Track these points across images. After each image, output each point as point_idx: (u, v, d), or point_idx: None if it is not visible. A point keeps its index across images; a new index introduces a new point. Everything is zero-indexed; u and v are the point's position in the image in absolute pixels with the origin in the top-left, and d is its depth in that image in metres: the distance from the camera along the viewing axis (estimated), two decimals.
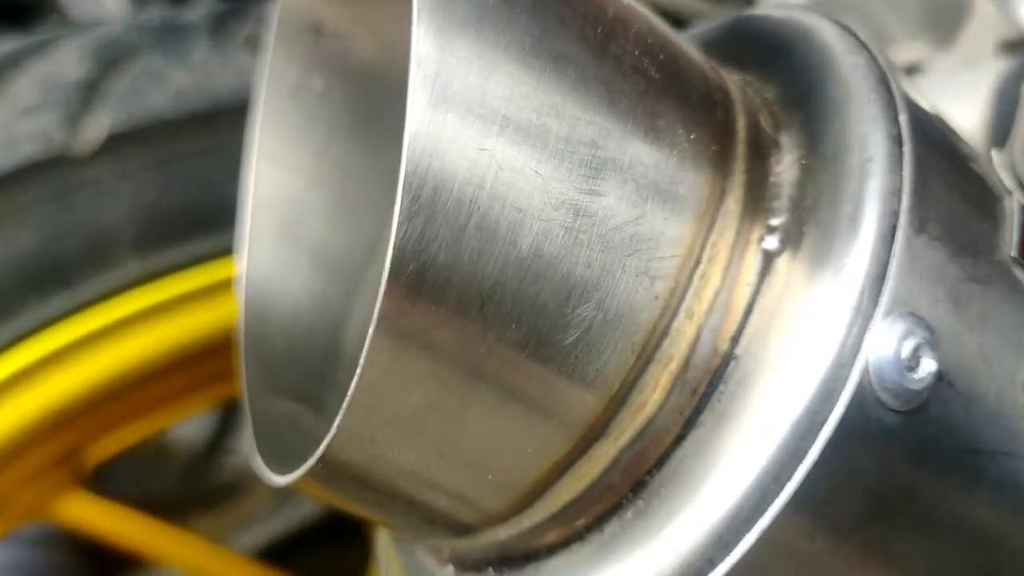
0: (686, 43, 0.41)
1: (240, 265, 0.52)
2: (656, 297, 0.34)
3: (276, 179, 0.53)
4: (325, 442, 0.34)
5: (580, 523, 0.37)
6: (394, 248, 0.30)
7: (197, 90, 0.85)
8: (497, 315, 0.32)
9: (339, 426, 0.33)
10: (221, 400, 1.01)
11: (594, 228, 0.33)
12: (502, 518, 0.38)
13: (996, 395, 0.36)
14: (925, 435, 0.34)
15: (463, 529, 0.40)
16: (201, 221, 0.84)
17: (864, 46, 0.40)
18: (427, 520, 0.39)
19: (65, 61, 0.83)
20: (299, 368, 0.50)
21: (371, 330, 0.31)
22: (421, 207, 0.30)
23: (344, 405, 0.33)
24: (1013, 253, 0.38)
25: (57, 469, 0.91)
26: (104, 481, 0.97)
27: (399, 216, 0.30)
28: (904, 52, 0.81)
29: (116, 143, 0.81)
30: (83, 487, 0.92)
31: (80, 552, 1.17)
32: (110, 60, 0.83)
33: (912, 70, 0.78)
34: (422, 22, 0.31)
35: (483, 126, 0.31)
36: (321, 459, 0.35)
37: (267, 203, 0.52)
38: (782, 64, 0.42)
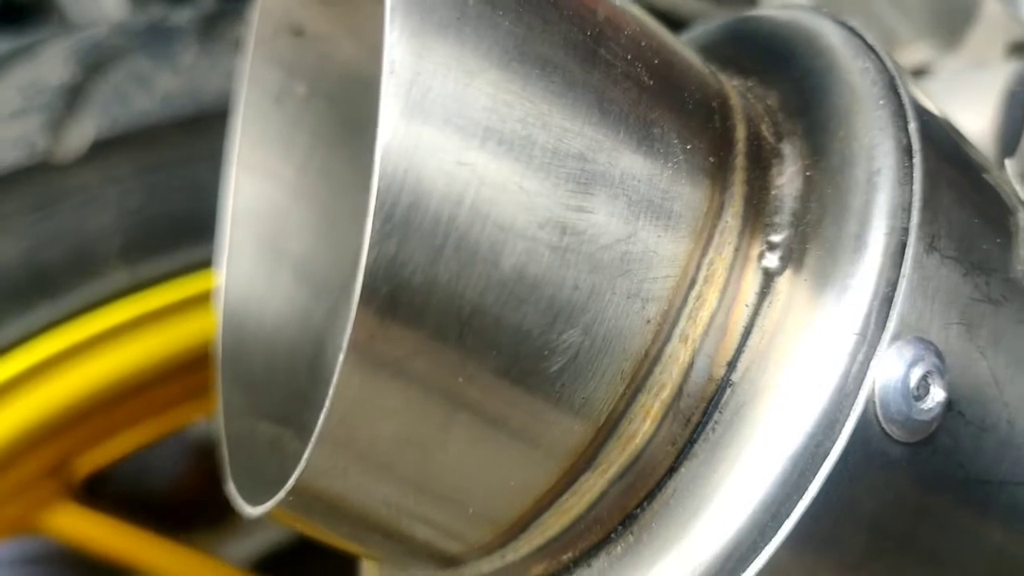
0: (683, 47, 0.39)
1: (219, 279, 0.50)
2: (648, 320, 0.32)
3: (257, 189, 0.51)
4: (294, 476, 0.32)
5: (567, 557, 0.35)
6: (365, 271, 0.28)
7: (184, 94, 0.83)
8: (477, 342, 0.30)
9: (309, 460, 0.31)
10: (212, 410, 0.99)
11: (582, 247, 0.31)
12: (486, 551, 0.36)
13: (1008, 422, 0.34)
14: (933, 467, 0.32)
15: (446, 561, 0.37)
16: (189, 229, 0.82)
17: (871, 49, 0.38)
18: (408, 552, 0.37)
19: (49, 65, 0.81)
20: (280, 388, 0.48)
21: (341, 359, 0.29)
22: (395, 226, 0.28)
23: (314, 438, 0.31)
24: None
25: (46, 481, 0.90)
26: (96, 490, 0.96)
27: (371, 236, 0.28)
28: (910, 54, 0.79)
29: (101, 149, 0.79)
30: (73, 499, 0.91)
31: (76, 568, 1.16)
32: (95, 64, 0.82)
33: (918, 72, 0.76)
34: (395, 24, 0.28)
35: (463, 138, 0.29)
36: (292, 492, 0.33)
37: (248, 214, 0.50)
38: (785, 68, 0.40)
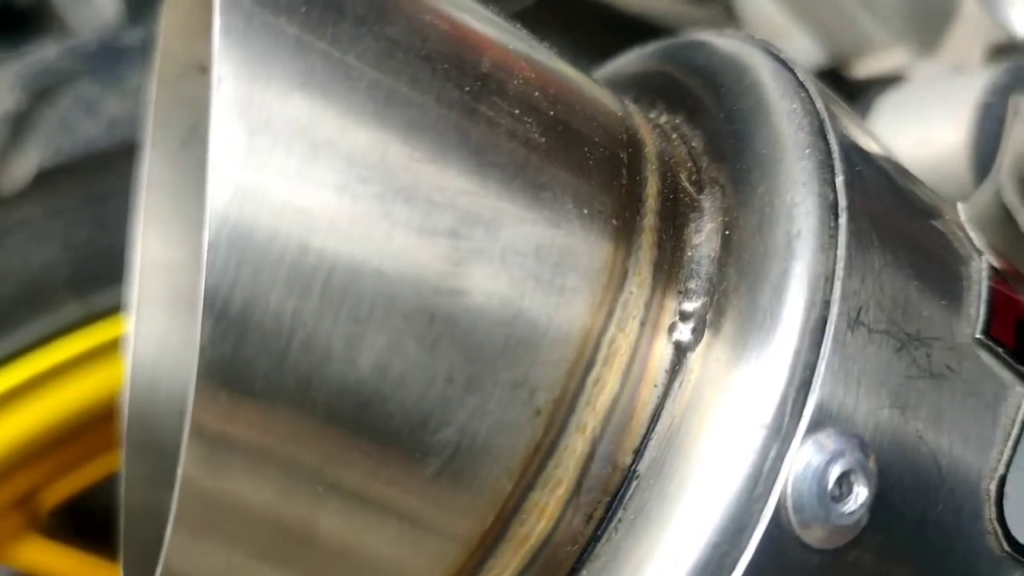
0: (593, 90, 0.35)
1: (127, 339, 0.46)
2: (537, 412, 0.29)
3: (167, 240, 0.48)
4: (159, 567, 0.29)
5: None
6: (199, 377, 0.25)
7: (132, 119, 0.80)
8: (336, 447, 0.27)
9: (164, 564, 0.28)
10: None
11: (456, 335, 0.27)
12: None
13: (954, 511, 0.30)
14: (861, 572, 0.29)
15: None
16: None
17: (802, 86, 0.34)
18: None
19: None
20: None
21: (180, 466, 0.26)
22: (229, 326, 0.25)
23: (165, 544, 0.28)
24: (978, 334, 0.32)
25: (11, 514, 0.89)
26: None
27: (202, 338, 0.25)
28: (886, 58, 0.75)
29: (46, 179, 0.77)
30: (39, 531, 0.90)
31: None
32: (41, 90, 0.79)
33: (893, 79, 0.72)
34: (223, 92, 0.25)
35: (308, 222, 0.26)
36: None
37: (157, 267, 0.47)
38: (712, 107, 0.36)
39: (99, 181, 0.79)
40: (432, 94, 0.28)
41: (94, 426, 0.84)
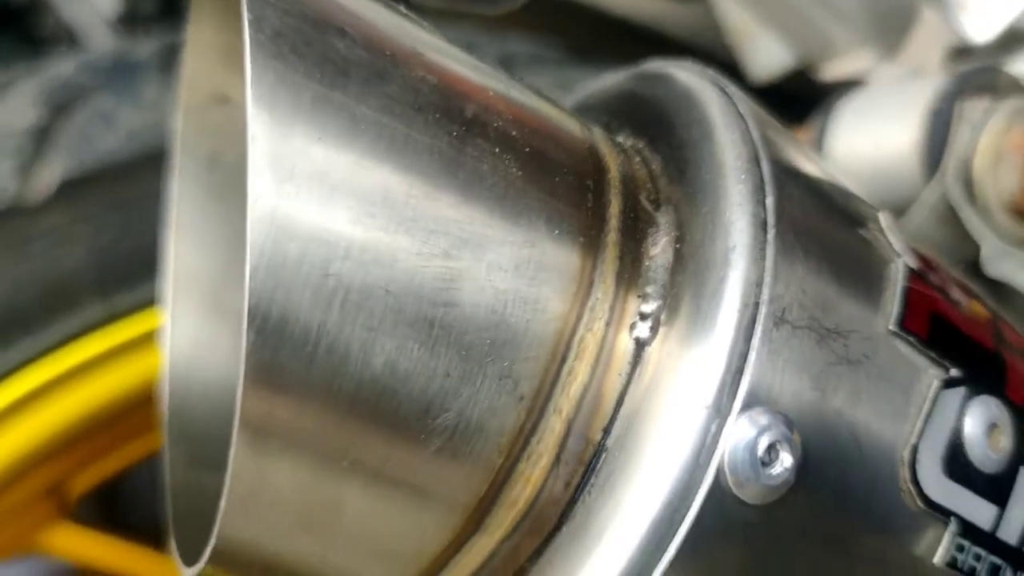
0: (563, 121, 0.41)
1: (164, 342, 0.52)
2: (521, 398, 0.35)
3: (197, 250, 0.53)
4: (209, 546, 0.35)
5: None
6: (245, 374, 0.31)
7: (148, 129, 0.85)
8: (356, 432, 0.33)
9: (218, 536, 0.34)
10: None
11: (451, 339, 0.33)
12: None
13: (871, 475, 0.37)
14: (791, 525, 0.35)
15: None
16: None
17: (742, 118, 0.40)
18: None
19: (16, 107, 0.83)
20: (226, 440, 0.51)
21: (231, 451, 0.32)
22: (268, 337, 0.31)
23: (218, 516, 0.34)
24: (891, 326, 0.38)
25: (41, 503, 0.93)
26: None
27: (246, 346, 0.31)
28: (851, 61, 0.81)
29: (70, 188, 0.81)
30: (68, 518, 0.94)
31: None
32: (61, 104, 0.84)
33: (854, 83, 0.77)
34: (257, 153, 0.31)
35: (328, 251, 0.32)
36: (211, 559, 0.36)
37: (188, 275, 0.53)
38: (668, 135, 0.42)
39: (120, 189, 0.83)
40: (426, 140, 0.34)
41: (119, 417, 0.88)
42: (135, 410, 0.90)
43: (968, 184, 0.62)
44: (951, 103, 0.64)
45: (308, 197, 0.32)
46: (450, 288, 0.33)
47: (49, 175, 0.81)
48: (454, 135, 0.35)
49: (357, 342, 0.32)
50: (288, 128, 0.32)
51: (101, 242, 0.83)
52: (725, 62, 0.87)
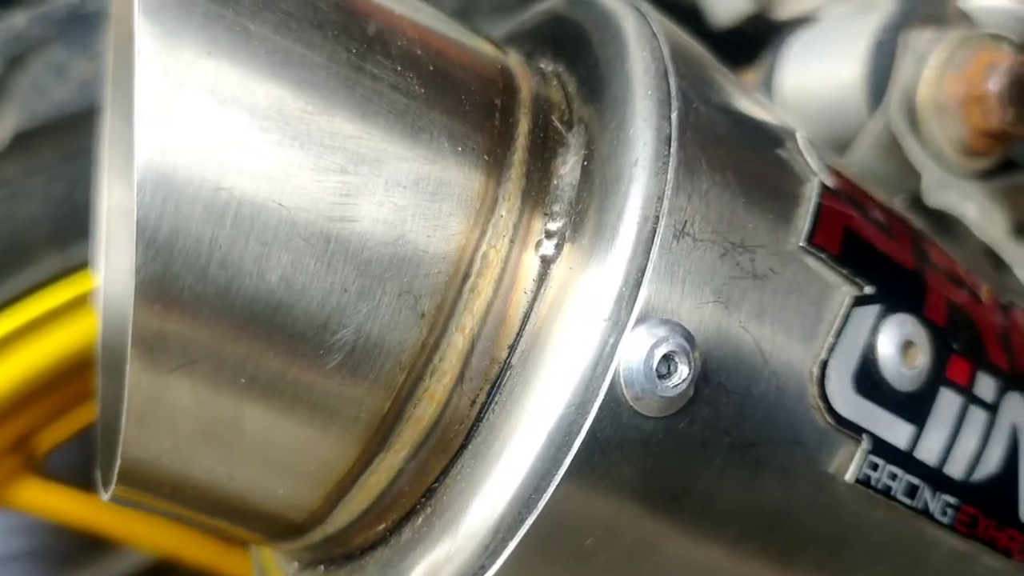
0: (475, 44, 0.41)
1: (97, 278, 0.52)
2: (422, 315, 0.35)
3: (129, 187, 0.53)
4: (116, 468, 0.36)
5: (382, 527, 0.38)
6: (136, 288, 0.31)
7: (101, 82, 0.84)
8: (253, 346, 0.33)
9: (122, 455, 0.35)
10: None
11: (348, 254, 0.33)
12: (312, 523, 0.39)
13: (778, 388, 0.37)
14: (692, 436, 0.35)
15: (291, 531, 0.41)
16: None
17: (655, 36, 0.40)
18: (249, 525, 0.40)
19: None
20: None
21: (127, 366, 0.32)
22: (159, 250, 0.31)
23: (121, 438, 0.34)
24: (802, 242, 0.38)
25: (7, 457, 0.93)
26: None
27: (137, 260, 0.31)
28: (800, 0, 0.80)
29: (23, 140, 0.81)
30: (36, 473, 0.95)
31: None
32: (14, 57, 0.83)
33: (804, 20, 0.77)
34: (145, 65, 0.31)
35: (219, 165, 0.32)
36: (120, 480, 0.36)
37: (121, 211, 0.53)
38: (583, 55, 0.42)
39: (73, 141, 0.83)
40: (323, 56, 0.34)
41: (82, 370, 0.89)
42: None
43: (912, 114, 0.62)
44: (896, 34, 0.64)
45: (198, 110, 0.31)
46: (346, 203, 0.33)
47: (2, 128, 0.81)
48: (353, 52, 0.35)
49: (251, 256, 0.32)
50: (177, 40, 0.31)
51: (56, 194, 0.83)
52: (686, 7, 0.87)
